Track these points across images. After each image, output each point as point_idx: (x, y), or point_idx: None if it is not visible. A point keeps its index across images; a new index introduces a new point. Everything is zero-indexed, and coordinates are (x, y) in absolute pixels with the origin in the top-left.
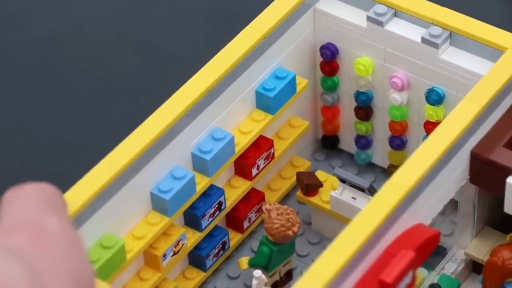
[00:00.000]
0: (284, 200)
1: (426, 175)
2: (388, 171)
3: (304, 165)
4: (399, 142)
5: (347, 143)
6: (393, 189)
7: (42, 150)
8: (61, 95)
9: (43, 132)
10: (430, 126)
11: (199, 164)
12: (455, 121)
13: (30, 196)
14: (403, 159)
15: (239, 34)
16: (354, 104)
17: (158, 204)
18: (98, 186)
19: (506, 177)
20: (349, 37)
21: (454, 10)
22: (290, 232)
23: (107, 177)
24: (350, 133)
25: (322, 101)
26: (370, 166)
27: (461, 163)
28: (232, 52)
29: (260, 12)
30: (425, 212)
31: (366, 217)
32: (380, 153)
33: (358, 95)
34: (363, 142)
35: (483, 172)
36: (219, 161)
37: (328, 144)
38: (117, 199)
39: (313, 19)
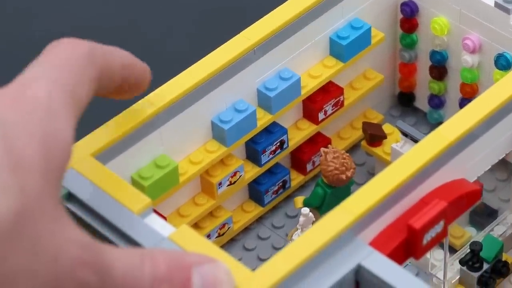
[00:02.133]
0: (351, 149)
1: (472, 131)
2: None
3: (376, 118)
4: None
5: (422, 102)
6: (435, 140)
7: None
8: None
9: None
10: None
11: (263, 100)
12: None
13: (54, 58)
14: None
15: None
16: (430, 63)
17: (218, 133)
18: (158, 106)
19: None
20: None
21: None
22: (343, 176)
23: (168, 98)
24: (425, 92)
25: (400, 58)
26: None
27: None
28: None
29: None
30: (470, 168)
31: (403, 163)
32: (452, 113)
33: (433, 54)
34: (436, 101)
35: None
36: (284, 100)
37: (404, 101)
38: (176, 122)
39: None
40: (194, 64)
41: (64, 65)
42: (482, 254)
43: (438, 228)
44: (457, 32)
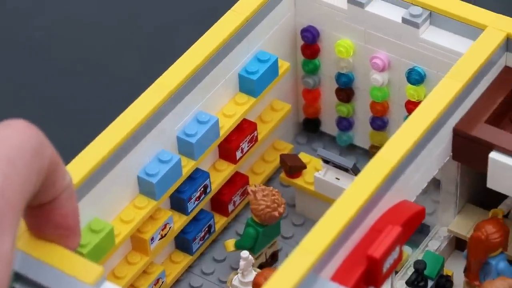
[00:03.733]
0: (267, 183)
1: (410, 152)
2: (369, 152)
3: (286, 148)
4: (380, 123)
5: (329, 126)
6: (379, 166)
7: None
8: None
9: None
10: (411, 106)
11: (185, 147)
12: (437, 99)
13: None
14: (384, 139)
15: (221, 18)
16: (335, 86)
17: (145, 188)
18: (85, 171)
19: (489, 152)
20: (330, 19)
21: None
22: (276, 213)
23: (94, 162)
24: (332, 116)
25: (304, 84)
26: (352, 148)
27: (444, 140)
28: (215, 36)
29: None
30: (409, 189)
31: (352, 194)
32: (362, 135)
33: (339, 77)
34: (345, 124)
35: (466, 148)
36: (204, 144)
37: (310, 127)
38: (104, 184)
39: (294, 2)
40: (114, 121)
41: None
42: (425, 271)
43: (395, 254)
44: (363, 53)
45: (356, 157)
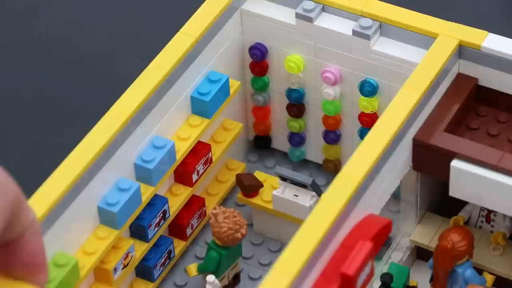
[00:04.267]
0: (223, 203)
1: (374, 166)
2: (323, 166)
3: (239, 167)
4: (333, 136)
5: (280, 142)
6: (345, 182)
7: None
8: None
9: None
10: (365, 118)
11: (143, 174)
12: (396, 110)
13: None
14: (338, 153)
15: (171, 41)
16: (286, 102)
17: (106, 218)
18: (46, 206)
19: (449, 161)
20: (278, 35)
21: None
22: (238, 235)
23: (55, 196)
24: (283, 132)
25: (253, 102)
26: (304, 163)
27: (405, 151)
28: (166, 59)
29: None
30: (374, 203)
31: (321, 213)
32: (314, 149)
33: (290, 92)
34: (297, 139)
35: (426, 158)
36: (162, 170)
37: (261, 144)
38: (66, 217)
39: (241, 20)
40: (71, 153)
41: None
42: (391, 283)
43: (367, 269)
44: (314, 67)
45: (309, 172)
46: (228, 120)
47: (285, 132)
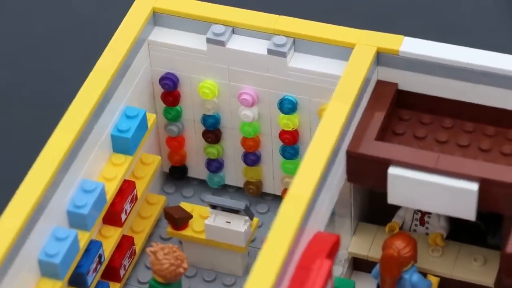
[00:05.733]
0: (150, 239)
1: (319, 183)
2: (244, 189)
3: (160, 200)
4: (253, 158)
5: (196, 170)
6: (294, 203)
7: None
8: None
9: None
10: (286, 135)
11: (77, 219)
12: (330, 124)
13: None
14: (259, 174)
15: (87, 80)
16: (201, 129)
17: (48, 270)
18: None
19: (386, 169)
20: (189, 63)
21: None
22: (181, 269)
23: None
24: (199, 160)
25: (168, 133)
26: (224, 188)
27: (340, 164)
28: (85, 100)
29: None
30: (320, 220)
31: (277, 238)
32: (233, 173)
33: (205, 119)
34: (215, 165)
35: (361, 168)
36: (95, 214)
37: (177, 175)
38: (8, 275)
39: (148, 52)
40: (7, 208)
41: None
42: None
43: (329, 287)
44: (228, 91)
45: (230, 196)
46: (145, 154)
47: (201, 159)
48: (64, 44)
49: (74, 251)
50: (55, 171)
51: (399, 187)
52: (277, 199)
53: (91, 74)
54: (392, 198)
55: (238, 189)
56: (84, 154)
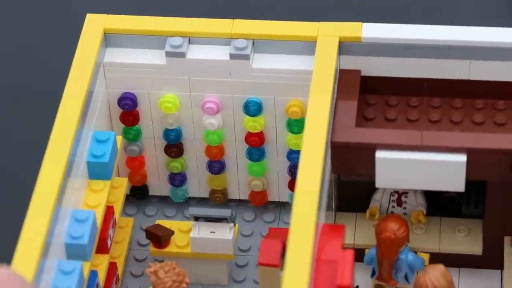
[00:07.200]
0: (128, 263)
1: (322, 175)
2: (210, 198)
3: (129, 223)
4: (218, 165)
5: (157, 188)
6: (308, 198)
7: None
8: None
9: None
10: (254, 138)
11: (75, 251)
12: (317, 117)
13: None
14: (224, 182)
15: (59, 110)
16: (162, 145)
17: None
18: None
19: (371, 154)
20: (147, 79)
21: None
22: (184, 285)
23: None
24: (160, 176)
25: (129, 153)
26: (187, 201)
27: (328, 156)
28: (64, 131)
29: None
30: (323, 212)
31: (300, 234)
32: (197, 184)
33: (167, 134)
34: (179, 178)
35: (347, 157)
36: (92, 242)
37: (139, 195)
38: None
39: (104, 74)
40: (16, 253)
41: None
42: None
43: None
44: (189, 102)
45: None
46: (114, 177)
47: (162, 176)
48: (64, 44)
49: (81, 283)
50: (54, 207)
51: (388, 170)
52: (242, 203)
53: (63, 102)
54: (381, 181)
55: (201, 199)
56: (71, 184)
